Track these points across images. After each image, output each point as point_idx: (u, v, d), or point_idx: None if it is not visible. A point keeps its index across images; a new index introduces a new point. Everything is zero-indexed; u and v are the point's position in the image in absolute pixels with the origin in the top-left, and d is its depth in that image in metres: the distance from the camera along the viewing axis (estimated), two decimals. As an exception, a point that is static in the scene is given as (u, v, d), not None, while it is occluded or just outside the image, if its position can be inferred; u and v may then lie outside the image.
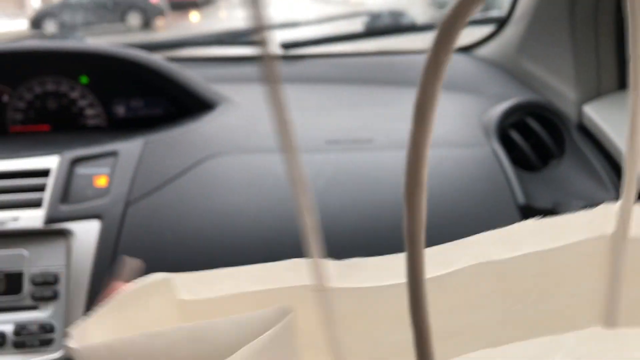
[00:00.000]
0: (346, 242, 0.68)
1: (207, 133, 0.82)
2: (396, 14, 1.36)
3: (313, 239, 0.29)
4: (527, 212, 0.73)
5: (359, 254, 0.38)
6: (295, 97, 0.92)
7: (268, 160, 0.76)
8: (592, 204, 0.76)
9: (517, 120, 0.86)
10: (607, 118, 0.83)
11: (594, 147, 0.83)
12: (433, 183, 0.74)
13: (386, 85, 1.02)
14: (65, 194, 0.71)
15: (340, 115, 0.89)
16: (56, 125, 0.91)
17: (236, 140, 0.80)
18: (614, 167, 0.79)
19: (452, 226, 0.71)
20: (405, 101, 0.93)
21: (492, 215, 0.72)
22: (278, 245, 0.67)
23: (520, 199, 0.73)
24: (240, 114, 0.87)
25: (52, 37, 1.73)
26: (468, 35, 1.15)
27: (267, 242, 0.68)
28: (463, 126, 0.85)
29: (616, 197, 0.76)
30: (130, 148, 0.76)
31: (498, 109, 0.86)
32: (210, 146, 0.78)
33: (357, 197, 0.72)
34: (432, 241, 0.70)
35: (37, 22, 7.27)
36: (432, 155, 0.80)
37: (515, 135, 0.84)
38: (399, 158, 0.77)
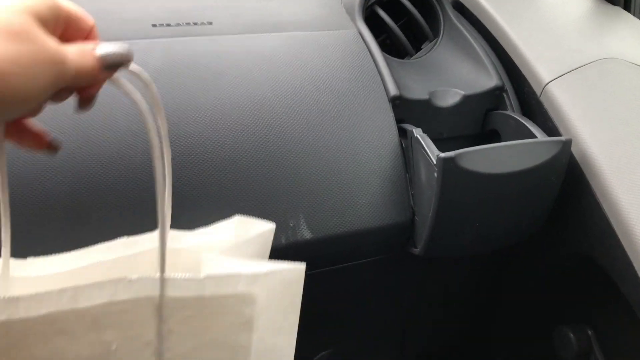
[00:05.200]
0: (181, 152, 0.52)
1: None
2: None
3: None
4: (400, 104, 0.61)
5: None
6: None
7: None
8: (472, 92, 0.63)
9: (387, -3, 0.72)
10: (486, -8, 0.72)
11: (472, 27, 0.72)
12: (292, 73, 0.60)
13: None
14: None
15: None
16: None
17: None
18: (496, 49, 0.68)
19: (315, 122, 0.58)
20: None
21: (360, 108, 0.60)
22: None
23: (392, 89, 0.61)
24: None
25: None
26: None
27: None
28: (322, 5, 0.70)
29: (499, 82, 0.67)
30: None
31: (364, -15, 0.72)
32: None
33: (195, 95, 0.56)
34: (291, 136, 0.54)
35: None
36: (287, 43, 0.65)
37: (383, 15, 0.71)
38: (245, 44, 0.62)
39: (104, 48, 0.32)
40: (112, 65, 0.32)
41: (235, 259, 0.40)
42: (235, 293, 0.37)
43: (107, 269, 0.39)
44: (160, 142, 0.34)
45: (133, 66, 0.33)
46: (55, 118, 0.49)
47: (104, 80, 0.33)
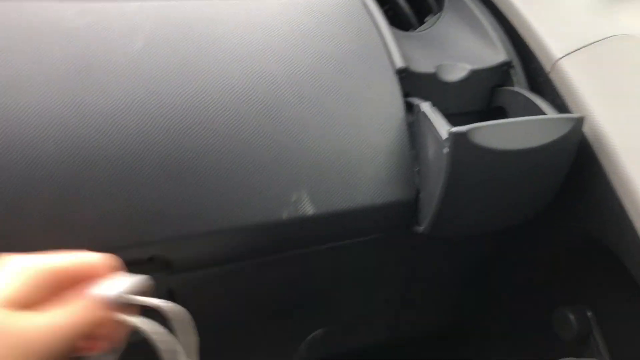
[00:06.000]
0: (181, 116, 0.49)
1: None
2: None
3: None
4: (406, 77, 0.59)
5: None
6: None
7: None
8: (479, 66, 0.61)
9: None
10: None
11: (478, 0, 0.69)
12: (293, 42, 0.57)
13: None
14: None
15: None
16: None
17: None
18: (503, 23, 0.66)
19: (318, 94, 0.55)
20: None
21: (365, 80, 0.57)
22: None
23: (398, 61, 0.59)
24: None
25: None
26: None
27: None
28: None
29: (507, 57, 0.65)
30: None
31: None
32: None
33: (191, 60, 0.52)
34: (293, 107, 0.51)
35: None
36: (287, 10, 0.62)
37: (388, -16, 0.68)
38: (242, 10, 0.58)
39: (109, 288, 0.26)
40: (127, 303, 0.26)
41: None
42: None
43: None
44: None
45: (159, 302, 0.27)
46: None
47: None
